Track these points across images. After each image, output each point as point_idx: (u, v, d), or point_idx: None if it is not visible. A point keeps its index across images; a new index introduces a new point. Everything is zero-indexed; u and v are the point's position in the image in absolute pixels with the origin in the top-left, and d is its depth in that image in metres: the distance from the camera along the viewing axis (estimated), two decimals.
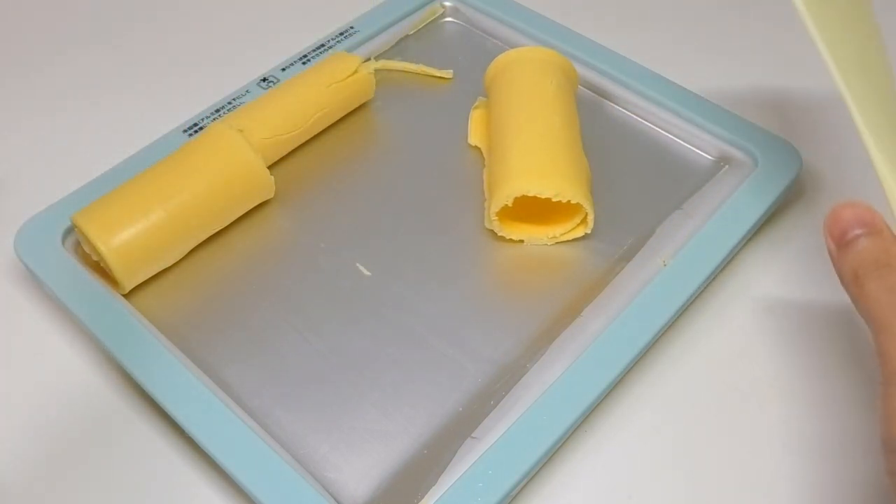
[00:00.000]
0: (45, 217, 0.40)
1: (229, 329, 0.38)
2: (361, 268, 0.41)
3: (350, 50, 0.49)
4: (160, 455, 0.36)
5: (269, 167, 0.43)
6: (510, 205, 0.40)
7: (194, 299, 0.39)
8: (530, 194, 0.39)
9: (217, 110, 0.45)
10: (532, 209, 0.41)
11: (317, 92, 0.44)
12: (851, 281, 0.30)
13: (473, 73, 0.48)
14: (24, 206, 0.41)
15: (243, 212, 0.42)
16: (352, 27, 0.50)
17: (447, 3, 0.53)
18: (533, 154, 0.41)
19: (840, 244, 0.31)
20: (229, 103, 0.46)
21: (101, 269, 0.38)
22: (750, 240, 0.42)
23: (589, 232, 0.41)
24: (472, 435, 0.34)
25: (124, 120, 0.49)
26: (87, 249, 0.38)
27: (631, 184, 0.44)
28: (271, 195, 0.43)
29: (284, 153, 0.44)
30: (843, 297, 0.31)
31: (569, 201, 0.39)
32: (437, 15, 0.53)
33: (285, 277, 0.40)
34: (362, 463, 0.34)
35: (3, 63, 0.53)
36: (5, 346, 0.39)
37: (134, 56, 0.54)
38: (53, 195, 0.41)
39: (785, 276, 0.42)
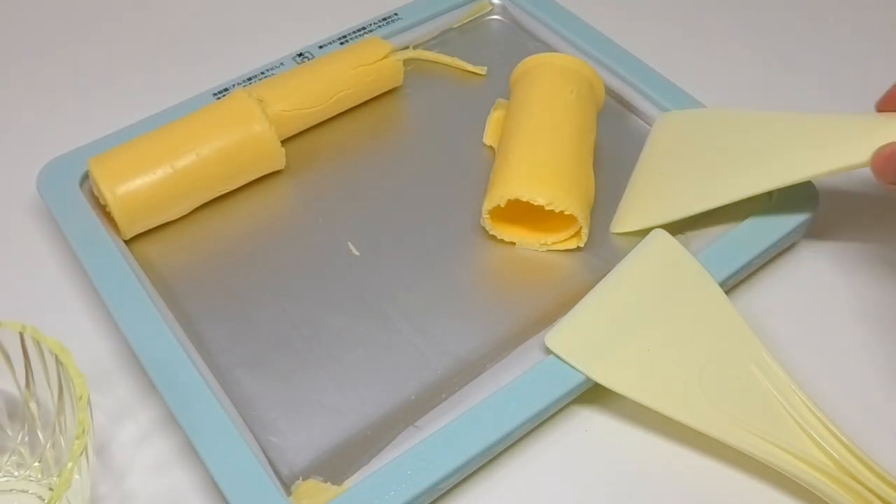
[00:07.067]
0: (68, 158, 0.43)
1: (215, 287, 0.40)
2: (352, 247, 0.42)
3: (390, 36, 0.50)
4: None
5: (287, 140, 0.45)
6: (503, 206, 0.40)
7: (190, 254, 0.41)
8: (523, 199, 0.39)
9: (249, 78, 0.47)
10: (527, 214, 0.41)
11: (342, 72, 0.45)
12: None
13: (508, 73, 0.48)
14: (55, 147, 0.44)
15: (251, 178, 0.43)
16: (396, 14, 0.51)
17: (495, 1, 0.53)
18: (534, 160, 0.41)
19: None
20: (262, 73, 0.47)
21: (108, 214, 0.41)
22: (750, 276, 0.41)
23: (582, 245, 0.41)
24: (416, 423, 0.35)
25: (165, 77, 0.52)
26: (96, 193, 0.41)
27: None
28: (282, 166, 0.44)
29: (304, 127, 0.46)
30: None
31: (562, 212, 0.39)
32: (484, 11, 0.53)
33: (278, 246, 0.42)
34: (307, 433, 0.35)
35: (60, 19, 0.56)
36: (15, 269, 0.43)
37: (184, 19, 0.56)
38: (84, 140, 0.44)
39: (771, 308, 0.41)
